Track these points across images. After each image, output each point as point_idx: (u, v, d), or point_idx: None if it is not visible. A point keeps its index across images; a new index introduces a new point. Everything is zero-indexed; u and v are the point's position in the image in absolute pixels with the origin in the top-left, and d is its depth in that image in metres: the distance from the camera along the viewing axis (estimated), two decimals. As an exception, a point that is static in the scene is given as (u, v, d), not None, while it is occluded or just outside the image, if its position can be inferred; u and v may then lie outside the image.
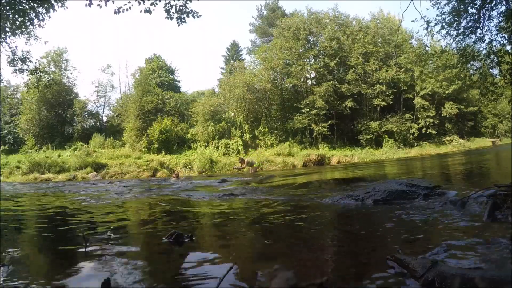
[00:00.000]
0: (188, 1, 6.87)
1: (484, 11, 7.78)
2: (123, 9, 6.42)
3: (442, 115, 24.90)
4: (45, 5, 7.75)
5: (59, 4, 7.86)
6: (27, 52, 8.99)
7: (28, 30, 8.47)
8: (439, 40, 18.78)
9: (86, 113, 26.98)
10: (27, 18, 7.84)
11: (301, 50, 24.83)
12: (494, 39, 8.12)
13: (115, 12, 6.44)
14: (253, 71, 25.40)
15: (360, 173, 10.40)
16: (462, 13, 7.84)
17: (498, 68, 8.51)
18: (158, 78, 29.09)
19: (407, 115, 24.71)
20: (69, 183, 11.66)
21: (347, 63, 24.89)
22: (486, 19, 7.90)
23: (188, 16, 6.99)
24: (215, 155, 18.80)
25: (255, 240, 2.60)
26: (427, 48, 9.46)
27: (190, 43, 72.09)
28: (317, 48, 25.21)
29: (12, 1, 7.36)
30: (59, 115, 25.07)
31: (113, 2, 6.43)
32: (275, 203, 4.42)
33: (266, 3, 36.85)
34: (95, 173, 15.60)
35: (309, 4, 53.89)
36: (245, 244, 2.53)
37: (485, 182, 5.25)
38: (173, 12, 6.93)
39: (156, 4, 6.63)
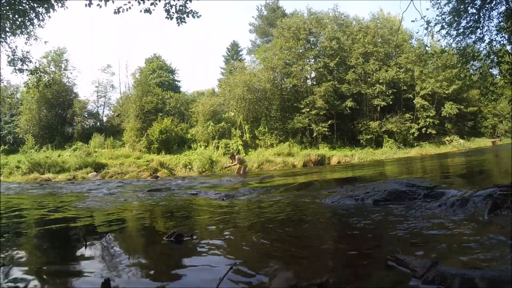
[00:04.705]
0: (188, 1, 6.88)
1: (484, 11, 7.78)
2: (123, 9, 6.43)
3: (442, 115, 24.90)
4: (45, 5, 7.75)
5: (59, 4, 7.86)
6: (27, 52, 9.00)
7: (28, 30, 8.47)
8: (439, 40, 18.82)
9: (86, 113, 26.92)
10: (27, 18, 7.84)
11: (301, 50, 24.82)
12: (494, 39, 8.11)
13: (115, 12, 6.44)
14: (253, 71, 25.37)
15: (360, 173, 10.40)
16: (462, 13, 7.84)
17: (498, 68, 8.51)
18: (158, 78, 29.08)
19: (407, 115, 24.70)
20: (69, 183, 11.66)
21: (347, 63, 24.89)
22: (486, 19, 7.90)
23: (188, 16, 7.00)
24: (215, 155, 18.77)
25: (255, 240, 2.60)
26: (427, 48, 9.46)
27: (190, 43, 72.07)
28: (317, 48, 25.20)
29: (12, 1, 7.36)
30: (59, 115, 25.05)
31: (113, 2, 6.44)
32: (275, 203, 4.42)
33: (266, 3, 36.89)
34: (95, 173, 15.59)
35: (309, 4, 53.91)
36: (245, 244, 2.53)
37: (485, 182, 5.25)
38: (173, 12, 6.93)
39: (156, 4, 6.63)
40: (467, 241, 2.10)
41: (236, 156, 13.06)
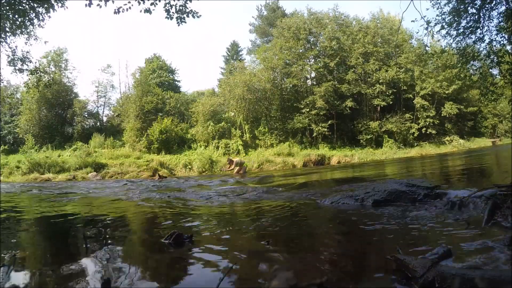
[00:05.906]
0: (188, 1, 6.85)
1: (484, 11, 7.77)
2: (123, 9, 6.41)
3: (442, 115, 24.89)
4: (45, 5, 7.74)
5: (59, 4, 7.84)
6: (27, 52, 8.96)
7: (28, 30, 8.45)
8: (439, 40, 18.77)
9: (86, 113, 26.91)
10: (27, 18, 7.83)
11: (301, 50, 24.81)
12: (494, 39, 8.09)
13: (115, 12, 6.43)
14: (253, 71, 25.35)
15: (360, 173, 10.40)
16: (462, 13, 7.83)
17: (498, 68, 8.50)
18: (158, 78, 29.07)
19: (407, 115, 24.69)
20: (69, 183, 11.66)
21: (347, 63, 24.88)
22: (486, 19, 7.89)
23: (188, 16, 6.98)
24: (215, 155, 18.77)
25: (255, 240, 2.60)
26: (427, 48, 9.43)
27: (190, 43, 71.94)
28: (317, 48, 25.19)
29: (12, 1, 7.35)
30: (59, 115, 25.04)
31: (113, 2, 6.42)
32: (275, 203, 4.42)
33: (266, 3, 36.86)
34: (95, 173, 15.58)
35: (309, 4, 53.87)
36: (245, 244, 2.53)
37: (485, 182, 5.25)
38: (173, 12, 6.92)
39: (156, 4, 6.62)
40: (467, 241, 2.10)
41: (234, 160, 12.82)
